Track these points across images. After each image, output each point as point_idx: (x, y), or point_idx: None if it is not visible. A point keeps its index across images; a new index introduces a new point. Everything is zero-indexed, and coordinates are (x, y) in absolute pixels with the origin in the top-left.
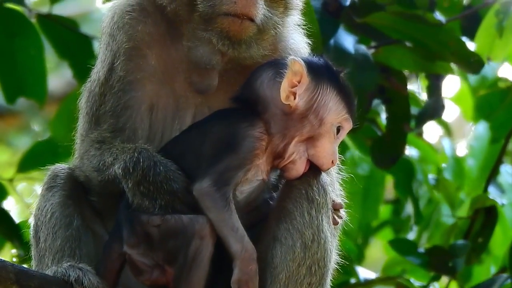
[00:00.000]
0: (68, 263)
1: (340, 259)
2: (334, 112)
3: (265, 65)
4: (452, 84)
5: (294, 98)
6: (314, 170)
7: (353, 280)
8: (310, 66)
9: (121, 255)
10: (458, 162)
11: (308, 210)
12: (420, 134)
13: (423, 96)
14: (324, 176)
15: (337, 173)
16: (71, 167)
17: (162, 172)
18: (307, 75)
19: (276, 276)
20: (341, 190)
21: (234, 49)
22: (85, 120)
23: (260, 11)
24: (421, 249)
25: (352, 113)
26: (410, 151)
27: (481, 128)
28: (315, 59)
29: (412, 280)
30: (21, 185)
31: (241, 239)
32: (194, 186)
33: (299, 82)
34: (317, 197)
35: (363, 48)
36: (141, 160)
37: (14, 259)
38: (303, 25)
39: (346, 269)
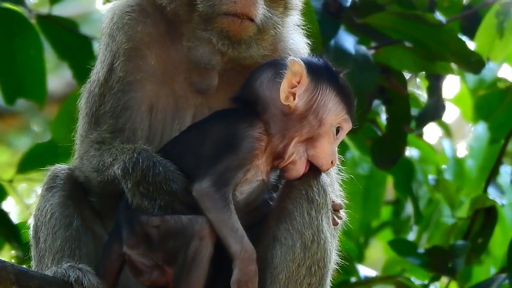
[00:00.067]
0: (68, 264)
1: (340, 260)
2: (334, 113)
3: (265, 65)
4: (452, 85)
5: (294, 99)
6: (314, 170)
7: (353, 279)
8: (310, 67)
9: (120, 256)
10: (458, 162)
11: (308, 210)
12: (420, 134)
13: (423, 97)
14: (324, 177)
15: (336, 173)
16: (70, 168)
17: (162, 173)
18: (306, 75)
19: (276, 277)
20: (341, 191)
21: (234, 49)
22: (85, 120)
23: (260, 11)
24: (421, 250)
25: (352, 114)
26: (411, 152)
27: (481, 129)
28: (314, 59)
29: (412, 278)
30: (21, 186)
31: (240, 240)
32: (194, 186)
33: (298, 83)
34: (317, 198)
35: (363, 48)
36: (141, 161)
37: (13, 260)
38: (304, 25)
39: (347, 269)
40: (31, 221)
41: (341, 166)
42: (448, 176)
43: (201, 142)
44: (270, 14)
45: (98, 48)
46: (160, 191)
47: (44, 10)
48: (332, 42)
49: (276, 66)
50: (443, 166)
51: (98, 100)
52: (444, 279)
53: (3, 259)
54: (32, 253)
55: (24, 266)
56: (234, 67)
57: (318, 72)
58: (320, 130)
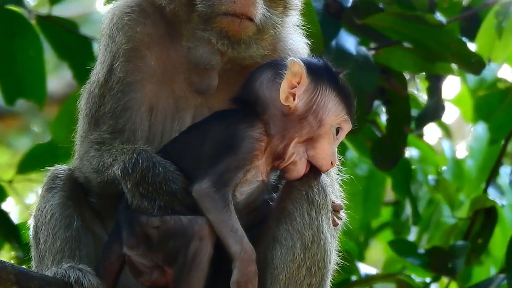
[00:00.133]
0: (68, 264)
1: (341, 260)
2: (334, 113)
3: (265, 66)
4: (452, 86)
5: (294, 99)
6: (314, 171)
7: (354, 278)
8: (310, 67)
9: (120, 256)
10: (457, 163)
11: (308, 211)
12: (420, 135)
13: (422, 97)
14: (324, 177)
15: (336, 174)
16: (70, 168)
17: (161, 173)
18: (306, 76)
19: (276, 277)
20: (340, 191)
21: (233, 49)
22: (85, 121)
23: (259, 10)
24: (421, 250)
25: (352, 114)
26: (410, 152)
27: (480, 129)
28: (314, 60)
29: (413, 276)
30: (21, 186)
31: (240, 240)
32: (194, 187)
33: (298, 83)
34: (317, 198)
35: (363, 49)
36: (140, 161)
37: (12, 261)
38: (305, 26)
39: (347, 268)
40: (31, 222)
41: (341, 167)
42: (448, 176)
43: (201, 143)
44: (269, 14)
45: (98, 49)
46: (159, 192)
47: (44, 10)
48: (333, 42)
49: (276, 66)
50: (444, 168)
51: (98, 101)
52: (444, 280)
53: (3, 259)
54: (32, 253)
55: (24, 266)
56: (233, 67)
57: (318, 73)
58: (320, 131)
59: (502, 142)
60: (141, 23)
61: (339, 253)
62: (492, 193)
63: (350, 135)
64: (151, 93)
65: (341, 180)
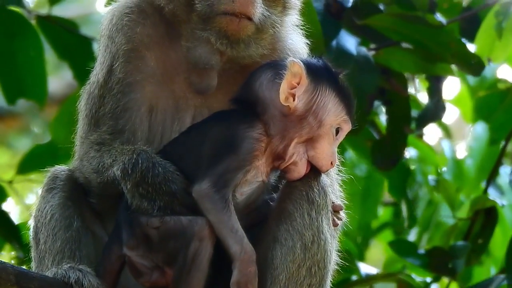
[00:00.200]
0: (68, 265)
1: (341, 260)
2: (333, 114)
3: (264, 66)
4: (451, 86)
5: (293, 100)
6: (314, 171)
7: (354, 277)
8: (309, 68)
9: (120, 257)
10: (457, 163)
11: (308, 211)
12: (420, 135)
13: (420, 97)
14: (324, 178)
15: (336, 174)
16: (70, 169)
17: (161, 174)
18: (306, 76)
19: (276, 277)
20: (340, 191)
21: (232, 48)
22: (85, 122)
23: (258, 10)
24: (421, 250)
25: (351, 115)
26: (410, 153)
27: (480, 129)
28: (314, 60)
29: (413, 275)
30: (21, 187)
31: (240, 241)
32: (194, 187)
33: (298, 84)
34: (317, 199)
35: (364, 50)
36: (140, 162)
37: (13, 261)
38: (305, 26)
39: (348, 268)
40: (31, 223)
41: (340, 167)
42: (448, 176)
43: (200, 143)
44: (268, 13)
45: (98, 49)
46: (159, 192)
47: (44, 11)
48: (334, 42)
49: (276, 67)
50: (444, 169)
51: (97, 101)
52: (445, 280)
53: (3, 260)
54: (32, 254)
55: (24, 267)
56: (233, 67)
57: (317, 73)
58: (319, 131)
59: (502, 142)
60: (141, 23)
61: (339, 253)
62: (492, 193)
63: (350, 135)
64: (151, 93)
65: (341, 180)
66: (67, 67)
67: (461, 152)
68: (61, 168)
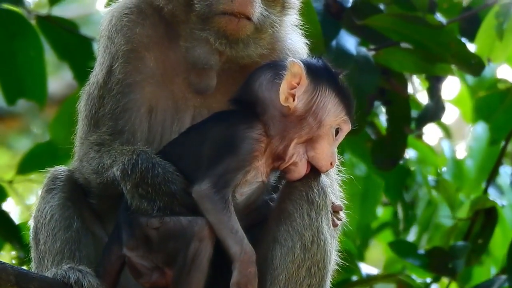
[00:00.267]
0: (68, 265)
1: (341, 260)
2: (333, 114)
3: (264, 66)
4: (452, 86)
5: (293, 100)
6: (314, 171)
7: (354, 278)
8: (309, 68)
9: (120, 258)
10: (457, 163)
11: (308, 211)
12: (420, 136)
13: (420, 97)
14: (324, 178)
15: (336, 174)
16: (70, 169)
17: (161, 174)
18: (306, 77)
19: (276, 278)
20: (340, 192)
21: (231, 48)
22: (84, 123)
23: (257, 9)
24: (421, 251)
25: (351, 115)
26: (409, 153)
27: (480, 129)
28: (314, 60)
29: (413, 276)
30: (21, 187)
31: (240, 241)
32: (193, 188)
33: (298, 84)
34: (317, 199)
35: (364, 50)
36: (140, 162)
37: (14, 261)
38: (305, 26)
39: (348, 268)
40: (31, 223)
41: (340, 167)
42: (447, 177)
43: (200, 144)
44: (267, 13)
45: (97, 50)
46: (159, 193)
47: (44, 11)
48: (334, 43)
49: (276, 67)
50: (444, 169)
51: (97, 102)
52: (445, 280)
53: (3, 261)
54: (32, 254)
55: (24, 267)
56: (232, 67)
57: (317, 73)
58: (319, 131)
59: (502, 142)
60: (140, 24)
61: (339, 253)
62: (492, 193)
63: (350, 136)
64: (151, 94)
65: (341, 180)
66: (67, 68)
67: (461, 152)
68: (60, 169)
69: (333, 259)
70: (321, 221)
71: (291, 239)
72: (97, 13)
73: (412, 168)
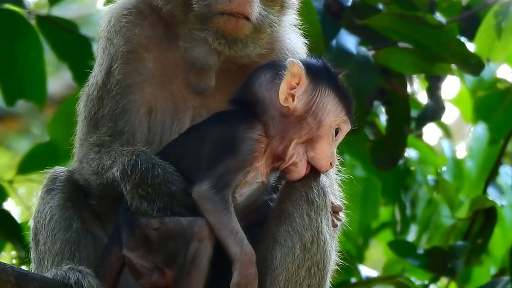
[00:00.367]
0: (68, 266)
1: (341, 260)
2: (333, 114)
3: (264, 66)
4: (451, 86)
5: (293, 100)
6: (314, 172)
7: (353, 280)
8: (309, 68)
9: (120, 258)
10: (457, 163)
11: (307, 212)
12: (420, 135)
13: (420, 97)
14: (323, 178)
15: (335, 174)
16: (70, 170)
17: (160, 174)
18: (305, 77)
19: (276, 278)
20: (340, 192)
21: (230, 48)
22: (84, 124)
23: (256, 9)
24: (421, 251)
25: (351, 115)
26: (409, 153)
27: (480, 130)
28: (313, 60)
29: (412, 279)
30: (22, 187)
31: (240, 242)
32: (193, 188)
33: (297, 84)
34: (316, 199)
35: (363, 50)
36: (139, 163)
37: (14, 261)
38: (305, 25)
39: (348, 269)
40: (30, 223)
41: (340, 167)
42: (447, 177)
43: (200, 144)
44: (266, 13)
45: (96, 51)
46: (159, 193)
47: (44, 11)
48: (334, 42)
49: (275, 67)
50: (443, 169)
51: (96, 103)
52: (444, 280)
53: (3, 261)
54: (32, 255)
55: (24, 267)
56: (231, 67)
57: (317, 74)
58: (319, 132)
59: (502, 142)
60: (139, 25)
61: (340, 254)
62: (492, 193)
63: (349, 136)
64: (150, 95)
65: (341, 180)
66: (67, 68)
67: (461, 152)
68: (60, 169)
69: (333, 260)
70: (321, 222)
71: (291, 239)
72: (97, 13)
73: (412, 168)
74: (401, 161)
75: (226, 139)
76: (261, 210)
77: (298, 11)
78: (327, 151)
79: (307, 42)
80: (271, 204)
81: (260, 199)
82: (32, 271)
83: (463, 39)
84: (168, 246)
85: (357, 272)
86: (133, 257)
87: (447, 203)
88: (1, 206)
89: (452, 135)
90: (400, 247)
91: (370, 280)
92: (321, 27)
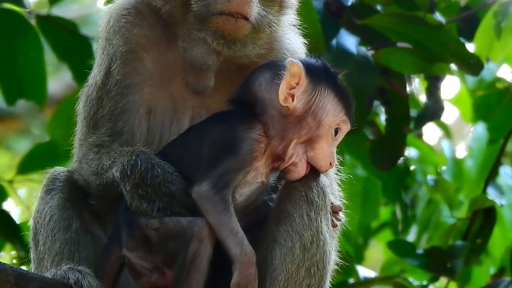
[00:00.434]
0: (67, 266)
1: (340, 260)
2: (332, 114)
3: (263, 66)
4: (451, 86)
5: (292, 100)
6: (313, 172)
7: (351, 280)
8: (308, 68)
9: (120, 258)
10: (457, 163)
11: (307, 212)
12: (419, 135)
13: (419, 97)
14: (323, 178)
15: (335, 173)
16: (69, 170)
17: (160, 175)
18: (305, 77)
19: (275, 278)
20: (339, 191)
21: (229, 48)
22: (83, 124)
23: (255, 9)
24: (420, 251)
25: (350, 115)
26: (409, 153)
27: (480, 129)
28: (313, 60)
29: (410, 279)
30: (22, 187)
31: (240, 242)
32: (193, 189)
33: (297, 84)
34: (316, 199)
35: (363, 49)
36: (139, 163)
37: (14, 261)
38: (305, 25)
39: (346, 269)
40: (30, 223)
41: (339, 167)
42: (447, 176)
43: (200, 145)
44: (265, 13)
45: (96, 51)
46: (158, 193)
47: (44, 11)
48: (334, 42)
49: (275, 67)
50: (443, 168)
51: (96, 103)
52: (443, 280)
53: (2, 261)
54: (32, 255)
55: (24, 267)
56: (230, 67)
57: (316, 73)
58: (318, 132)
59: (501, 142)
60: (138, 25)
61: (339, 254)
62: (491, 193)
63: (349, 136)
64: (149, 95)
65: (341, 180)
66: (67, 69)
67: (461, 151)
68: (60, 169)
69: (333, 259)
70: (321, 221)
71: (291, 239)
72: (97, 13)
73: (412, 168)
74: (401, 161)
75: (225, 139)
76: (261, 210)
77: (298, 11)
78: (326, 151)
79: (307, 42)
80: (270, 204)
81: (259, 199)
82: (32, 271)
83: (461, 39)
84: (168, 246)
85: (355, 273)
86: (132, 257)
87: (447, 203)
88: (0, 207)
89: (452, 135)
90: (400, 247)
91: (368, 281)
92: (321, 27)
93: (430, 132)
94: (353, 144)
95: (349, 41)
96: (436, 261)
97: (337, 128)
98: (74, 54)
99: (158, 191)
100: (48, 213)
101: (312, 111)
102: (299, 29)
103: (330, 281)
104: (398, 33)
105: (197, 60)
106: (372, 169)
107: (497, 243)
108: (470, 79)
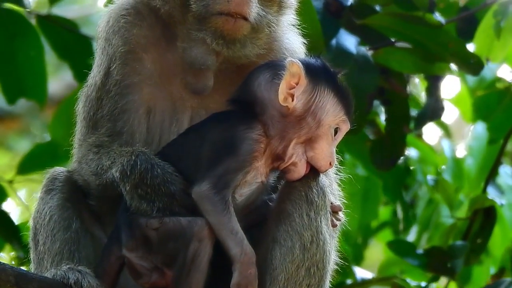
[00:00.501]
0: (67, 266)
1: (339, 260)
2: (332, 114)
3: (263, 66)
4: (451, 86)
5: (292, 100)
6: (313, 171)
7: (349, 281)
8: (308, 68)
9: (119, 258)
10: (457, 163)
11: (307, 212)
12: (419, 135)
13: (419, 97)
14: (323, 178)
15: (335, 173)
16: (69, 170)
17: (160, 175)
18: (305, 76)
19: (275, 278)
20: (339, 191)
21: (228, 48)
22: (83, 125)
23: (254, 9)
24: (420, 250)
25: (350, 115)
26: (409, 153)
27: (480, 129)
28: (312, 60)
29: (408, 280)
30: (22, 188)
31: (240, 243)
32: (193, 189)
33: (297, 84)
34: (316, 199)
35: (363, 49)
36: (139, 163)
37: (13, 262)
38: (304, 25)
39: (344, 270)
40: (30, 224)
41: (339, 166)
42: (447, 176)
43: (199, 145)
44: (264, 13)
45: (95, 51)
46: (158, 193)
47: (44, 11)
48: (333, 41)
49: (274, 67)
50: (443, 168)
51: (95, 104)
52: (444, 280)
53: (2, 261)
54: (32, 255)
55: (24, 267)
56: (229, 67)
57: (316, 73)
58: (318, 131)
59: (501, 141)
60: (137, 25)
61: (338, 254)
62: (491, 193)
63: (349, 135)
64: (149, 95)
65: (341, 180)
66: (67, 68)
67: (461, 151)
68: (60, 170)
69: (333, 259)
70: (320, 221)
71: (291, 239)
72: (97, 13)
73: (412, 167)
74: (401, 161)
75: (225, 140)
76: (261, 210)
77: (298, 11)
78: (326, 150)
79: (307, 42)
80: (270, 204)
81: (259, 199)
82: (32, 271)
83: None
84: (168, 246)
85: (352, 274)
86: (132, 257)
87: (447, 203)
88: (0, 207)
89: (452, 134)
90: (400, 247)
91: (365, 282)
92: (320, 27)
93: (430, 132)
94: (353, 144)
95: (349, 41)
96: (436, 261)
97: (337, 128)
98: (75, 54)
99: (158, 191)
100: (48, 213)
101: (312, 111)
102: (298, 29)
103: (330, 281)
104: (397, 33)
105: (197, 60)
106: (372, 169)
107: (497, 243)
108: (470, 79)
